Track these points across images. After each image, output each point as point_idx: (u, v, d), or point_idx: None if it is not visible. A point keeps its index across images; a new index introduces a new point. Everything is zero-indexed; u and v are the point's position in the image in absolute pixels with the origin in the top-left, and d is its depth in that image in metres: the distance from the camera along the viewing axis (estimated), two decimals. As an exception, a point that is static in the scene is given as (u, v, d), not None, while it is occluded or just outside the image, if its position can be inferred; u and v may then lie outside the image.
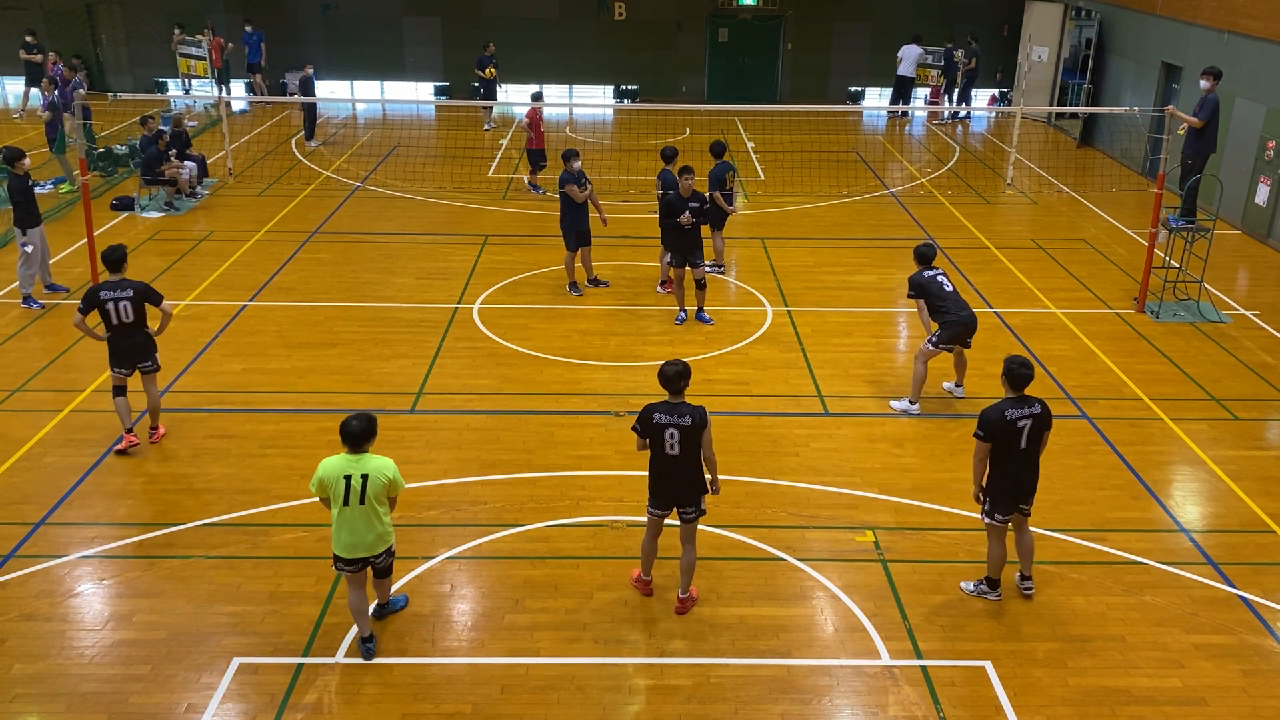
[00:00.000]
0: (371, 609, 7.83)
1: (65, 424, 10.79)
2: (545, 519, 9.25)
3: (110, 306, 9.84)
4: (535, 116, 19.05)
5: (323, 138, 24.06)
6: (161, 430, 10.52)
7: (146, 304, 10.00)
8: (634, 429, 7.81)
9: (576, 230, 14.20)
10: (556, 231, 14.67)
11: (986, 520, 8.11)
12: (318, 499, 7.42)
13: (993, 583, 8.29)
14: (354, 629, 7.76)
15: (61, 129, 18.69)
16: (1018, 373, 7.87)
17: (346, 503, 7.13)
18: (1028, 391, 7.94)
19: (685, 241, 13.11)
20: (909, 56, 27.11)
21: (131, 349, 10.06)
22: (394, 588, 8.21)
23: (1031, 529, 8.46)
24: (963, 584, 8.43)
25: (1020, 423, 7.82)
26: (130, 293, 9.89)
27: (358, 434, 7.15)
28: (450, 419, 11.04)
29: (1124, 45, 23.19)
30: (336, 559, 7.38)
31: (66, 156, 18.86)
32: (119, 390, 10.19)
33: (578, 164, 14.08)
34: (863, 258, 16.31)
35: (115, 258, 10.06)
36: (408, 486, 9.58)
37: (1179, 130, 15.52)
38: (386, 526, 7.35)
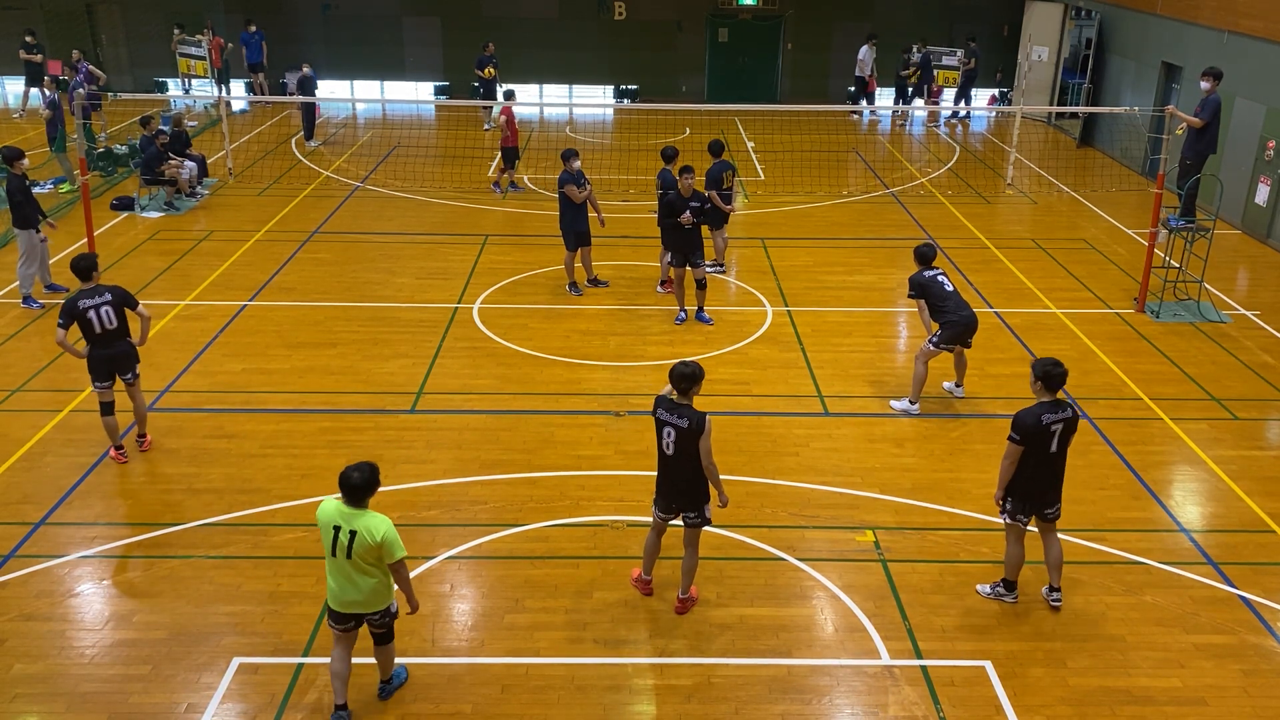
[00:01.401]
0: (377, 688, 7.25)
1: (65, 424, 10.78)
2: (545, 519, 9.25)
3: (91, 315, 9.51)
4: (510, 114, 19.11)
5: (323, 138, 24.06)
6: (150, 439, 10.29)
7: (126, 308, 9.71)
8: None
9: (576, 230, 14.21)
10: (556, 231, 14.67)
11: (1007, 520, 8.04)
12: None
13: (1010, 584, 8.23)
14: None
15: (62, 129, 18.70)
16: (1054, 373, 7.73)
17: (333, 554, 6.63)
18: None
19: (685, 241, 13.11)
20: (863, 57, 27.15)
21: (113, 359, 9.74)
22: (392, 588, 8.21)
23: (1032, 529, 8.41)
24: (979, 586, 8.38)
25: (1053, 426, 7.71)
26: (109, 297, 9.58)
27: (357, 486, 6.53)
28: (450, 419, 11.04)
29: (1124, 45, 23.19)
30: (330, 613, 6.83)
31: (67, 156, 18.85)
32: (107, 409, 9.92)
33: (577, 164, 14.09)
34: (863, 258, 16.31)
35: (85, 266, 9.68)
36: (408, 487, 9.63)
37: (1178, 131, 15.51)
38: (378, 585, 6.72)
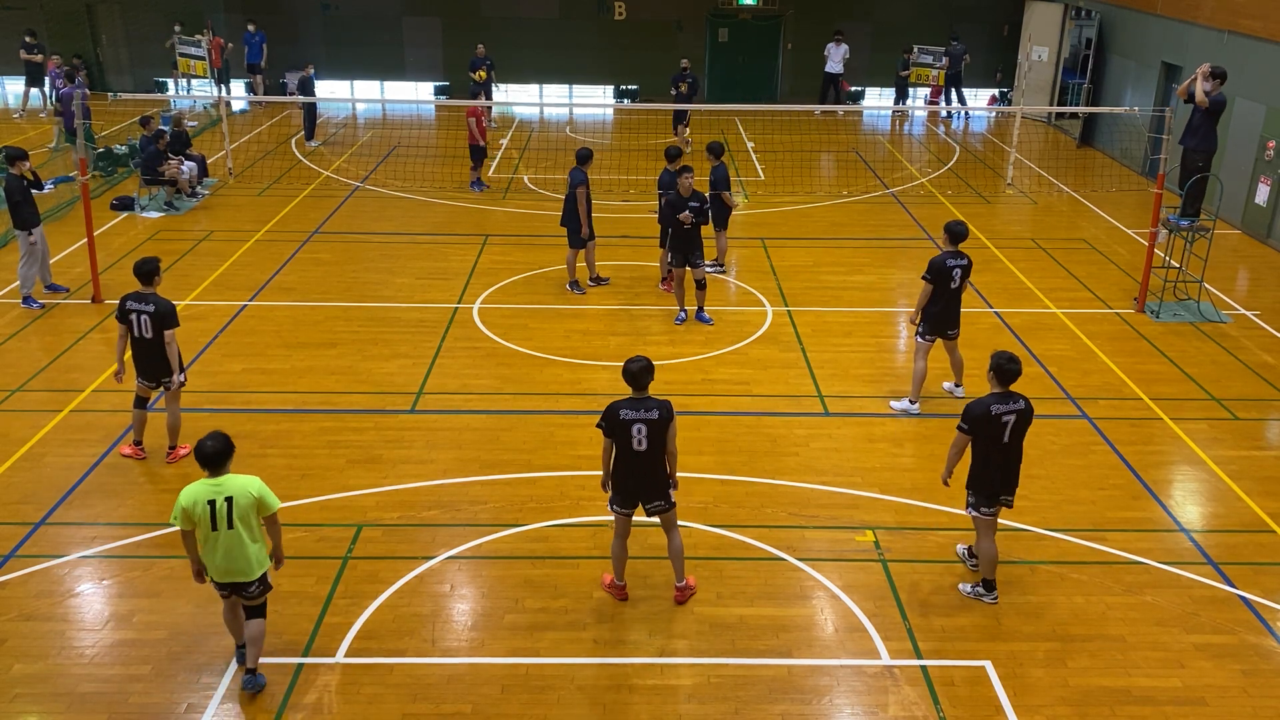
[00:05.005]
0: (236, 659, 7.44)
1: (65, 424, 10.78)
2: (545, 519, 9.25)
3: (133, 318, 9.71)
4: (477, 113, 19.12)
5: (323, 138, 24.05)
6: (180, 451, 10.13)
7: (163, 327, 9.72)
8: (599, 426, 7.81)
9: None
10: (556, 231, 14.67)
11: (972, 514, 8.11)
12: (179, 529, 6.92)
13: (989, 585, 8.21)
14: (354, 628, 7.79)
15: (64, 128, 18.69)
16: (1006, 368, 7.84)
17: (215, 528, 6.83)
18: (1013, 388, 7.93)
19: (686, 241, 13.11)
20: (834, 55, 27.10)
21: (153, 360, 9.85)
22: (392, 588, 8.22)
23: (1032, 529, 8.43)
24: (961, 585, 8.40)
25: (1005, 418, 7.82)
26: (151, 309, 9.68)
27: (212, 455, 6.81)
28: (450, 419, 11.04)
29: (1124, 45, 23.19)
30: (216, 584, 7.10)
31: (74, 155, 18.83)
32: (139, 402, 10.06)
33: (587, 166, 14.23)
34: (863, 258, 16.30)
35: (144, 270, 9.80)
36: (408, 487, 9.64)
37: (1178, 94, 14.86)
38: (260, 551, 7.01)
